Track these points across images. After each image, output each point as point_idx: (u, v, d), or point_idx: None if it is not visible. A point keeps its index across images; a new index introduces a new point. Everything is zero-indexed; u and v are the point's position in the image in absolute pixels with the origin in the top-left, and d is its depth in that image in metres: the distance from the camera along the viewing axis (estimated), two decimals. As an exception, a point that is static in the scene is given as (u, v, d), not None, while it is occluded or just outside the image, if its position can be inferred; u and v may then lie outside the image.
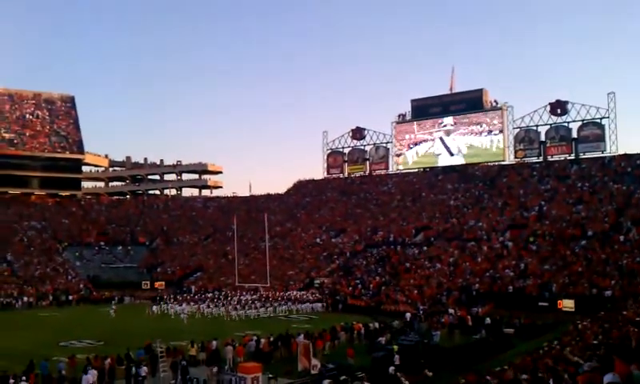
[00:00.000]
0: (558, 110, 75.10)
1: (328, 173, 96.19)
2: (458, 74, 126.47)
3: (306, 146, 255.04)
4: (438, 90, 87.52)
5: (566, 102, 74.95)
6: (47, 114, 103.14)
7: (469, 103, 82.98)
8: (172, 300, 59.12)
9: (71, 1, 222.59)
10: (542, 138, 76.67)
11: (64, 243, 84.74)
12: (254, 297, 59.03)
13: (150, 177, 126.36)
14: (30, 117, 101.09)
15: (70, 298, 67.89)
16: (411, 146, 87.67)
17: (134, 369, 26.34)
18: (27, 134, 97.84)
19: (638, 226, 54.08)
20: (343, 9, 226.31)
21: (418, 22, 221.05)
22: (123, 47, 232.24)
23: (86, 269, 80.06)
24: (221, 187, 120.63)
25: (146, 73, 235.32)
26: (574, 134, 74.37)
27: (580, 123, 73.92)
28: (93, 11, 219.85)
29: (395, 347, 29.13)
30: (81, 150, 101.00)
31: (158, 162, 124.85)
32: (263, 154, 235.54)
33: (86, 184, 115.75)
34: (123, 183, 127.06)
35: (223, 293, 63.20)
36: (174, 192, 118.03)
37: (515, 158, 79.07)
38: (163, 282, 76.09)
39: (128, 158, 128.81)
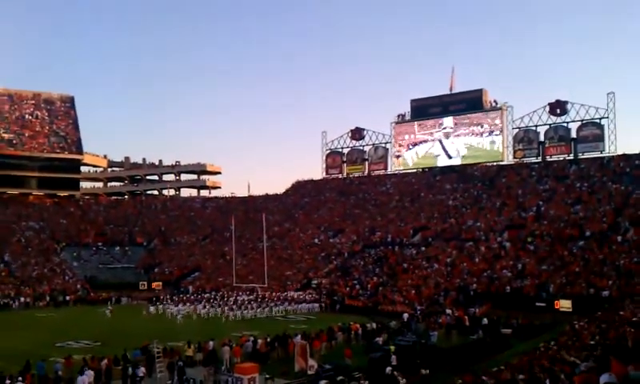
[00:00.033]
0: (558, 110, 75.07)
1: (327, 173, 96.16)
2: (458, 74, 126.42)
3: (304, 146, 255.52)
4: (438, 91, 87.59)
5: (566, 102, 74.94)
6: (46, 114, 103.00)
7: (468, 103, 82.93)
8: (169, 300, 59.04)
9: (71, 1, 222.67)
10: (541, 138, 76.64)
11: (62, 243, 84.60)
12: (251, 297, 58.98)
13: (148, 177, 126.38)
14: (30, 117, 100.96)
15: (68, 298, 67.73)
16: (410, 146, 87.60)
17: (130, 369, 26.29)
18: (26, 135, 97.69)
19: (636, 226, 54.05)
20: (343, 9, 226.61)
21: (417, 22, 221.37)
22: (123, 47, 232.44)
23: (83, 269, 79.92)
24: (219, 187, 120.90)
25: (146, 73, 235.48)
26: (573, 134, 74.35)
27: (579, 123, 73.90)
28: (93, 11, 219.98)
29: (392, 348, 29.07)
30: (79, 151, 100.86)
31: (157, 163, 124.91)
32: (262, 155, 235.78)
33: (84, 184, 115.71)
34: (122, 183, 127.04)
35: (220, 293, 63.15)
36: (172, 192, 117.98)
37: (514, 158, 79.05)
38: (161, 283, 76.03)
39: (127, 158, 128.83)
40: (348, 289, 60.97)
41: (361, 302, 56.61)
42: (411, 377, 24.85)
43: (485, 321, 41.38)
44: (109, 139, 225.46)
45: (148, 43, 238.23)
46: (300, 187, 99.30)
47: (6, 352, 33.27)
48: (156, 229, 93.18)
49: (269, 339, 32.88)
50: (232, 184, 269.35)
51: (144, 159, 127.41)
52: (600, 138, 72.16)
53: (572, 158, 73.97)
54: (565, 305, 45.35)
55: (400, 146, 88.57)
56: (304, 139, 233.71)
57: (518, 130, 78.69)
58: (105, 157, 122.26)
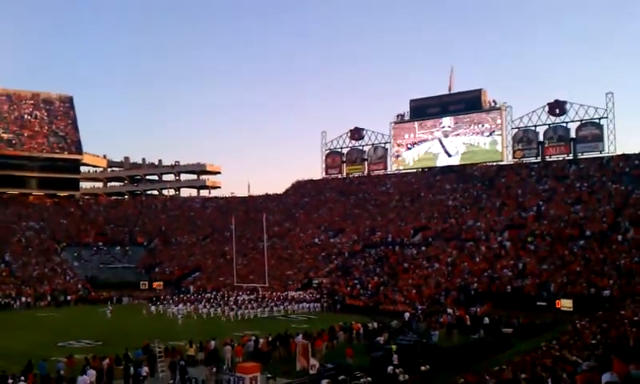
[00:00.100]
0: (557, 110, 75.12)
1: (326, 173, 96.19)
2: (457, 74, 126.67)
3: (304, 146, 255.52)
4: (437, 91, 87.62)
5: (565, 102, 74.99)
6: (46, 114, 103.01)
7: (467, 103, 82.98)
8: (170, 300, 59.09)
9: (71, 1, 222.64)
10: (541, 138, 76.68)
11: (62, 243, 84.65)
12: (251, 297, 59.02)
13: (148, 177, 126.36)
14: (29, 117, 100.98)
15: (68, 298, 67.80)
16: (409, 146, 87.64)
17: (132, 369, 26.35)
18: (25, 135, 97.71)
19: (636, 225, 54.11)
20: (343, 9, 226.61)
21: (417, 22, 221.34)
22: (122, 47, 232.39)
23: (84, 269, 79.98)
24: (219, 187, 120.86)
25: (145, 73, 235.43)
26: (573, 134, 74.38)
27: (578, 123, 73.93)
28: (93, 11, 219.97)
29: (394, 347, 29.13)
30: (79, 151, 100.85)
31: (157, 163, 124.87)
32: (262, 154, 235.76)
33: (84, 184, 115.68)
34: (121, 183, 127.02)
35: (220, 293, 63.19)
36: (172, 192, 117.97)
37: (513, 158, 79.10)
38: (161, 283, 76.08)
39: (126, 158, 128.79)
40: (349, 288, 61.02)
41: (362, 301, 56.66)
42: (412, 376, 24.94)
43: (486, 320, 41.44)
44: (108, 139, 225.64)
45: (148, 43, 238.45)
46: (300, 187, 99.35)
47: (7, 352, 33.36)
48: (156, 229, 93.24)
49: (270, 339, 32.96)
50: (232, 184, 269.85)
51: (144, 159, 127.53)
52: (599, 138, 72.20)
53: (571, 158, 74.01)
54: (566, 304, 45.39)
55: (399, 145, 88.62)
56: (304, 139, 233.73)
57: (517, 130, 78.74)
58: (104, 157, 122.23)
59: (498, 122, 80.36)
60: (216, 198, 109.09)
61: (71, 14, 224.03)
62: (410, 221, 73.79)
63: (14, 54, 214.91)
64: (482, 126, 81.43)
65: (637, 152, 69.46)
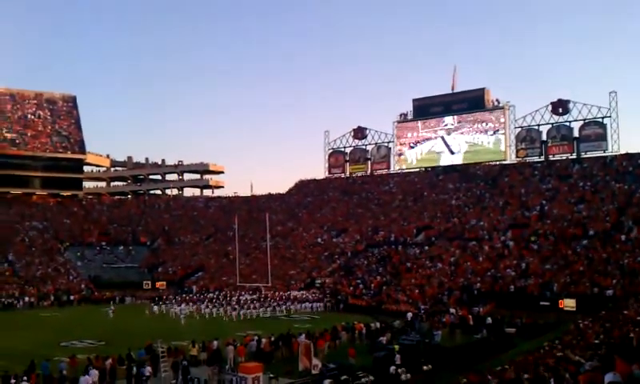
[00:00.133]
0: (560, 110, 74.98)
1: (329, 172, 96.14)
2: (459, 73, 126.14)
3: (307, 145, 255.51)
4: (439, 90, 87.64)
5: (568, 102, 74.85)
6: (49, 113, 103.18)
7: (471, 103, 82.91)
8: (173, 300, 59.10)
9: (71, 1, 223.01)
10: (544, 137, 76.57)
11: (65, 243, 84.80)
12: (254, 297, 59.01)
13: (151, 177, 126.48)
14: (32, 117, 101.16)
15: (72, 298, 67.93)
16: (412, 144, 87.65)
17: (134, 369, 26.36)
18: (29, 134, 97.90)
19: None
20: (343, 9, 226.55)
21: (418, 21, 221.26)
22: (123, 47, 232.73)
23: (87, 269, 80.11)
24: (222, 187, 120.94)
25: (147, 73, 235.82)
26: (576, 134, 74.24)
27: (582, 122, 73.79)
28: (93, 11, 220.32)
29: (396, 347, 29.13)
30: (82, 150, 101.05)
31: (160, 162, 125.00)
32: (264, 154, 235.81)
33: (87, 184, 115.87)
34: (125, 183, 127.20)
35: (223, 293, 63.23)
36: (175, 192, 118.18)
37: (517, 157, 78.98)
38: (164, 282, 76.10)
39: (129, 157, 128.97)
40: (351, 288, 60.97)
41: (364, 301, 56.60)
42: (415, 376, 24.91)
43: (489, 320, 41.38)
44: (111, 139, 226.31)
45: (148, 43, 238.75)
46: (303, 187, 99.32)
47: (10, 352, 33.40)
48: (159, 228, 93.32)
49: (273, 338, 32.93)
50: (235, 184, 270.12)
51: (147, 159, 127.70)
52: (602, 137, 72.06)
53: (575, 157, 73.88)
54: (569, 304, 45.28)
55: (402, 144, 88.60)
56: (306, 139, 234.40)
57: (520, 129, 78.63)
58: (107, 156, 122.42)
59: (502, 121, 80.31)
60: (219, 197, 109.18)
61: (71, 14, 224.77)
62: (413, 220, 73.71)
63: (14, 54, 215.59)
64: (486, 125, 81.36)
65: (640, 151, 69.30)
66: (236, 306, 53.05)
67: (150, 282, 76.27)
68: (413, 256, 64.68)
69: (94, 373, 25.41)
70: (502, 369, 19.98)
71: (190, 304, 56.67)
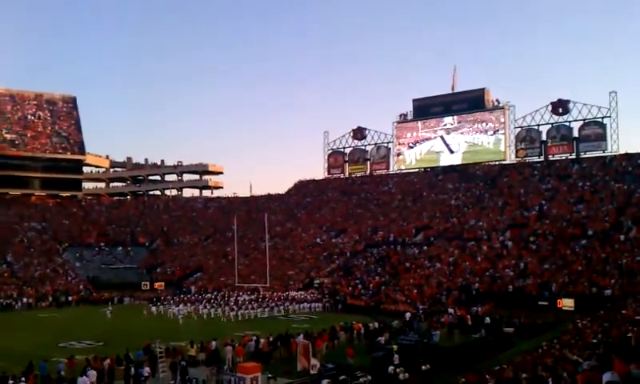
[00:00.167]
0: (560, 110, 74.99)
1: (329, 173, 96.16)
2: (459, 73, 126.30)
3: (306, 146, 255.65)
4: (439, 90, 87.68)
5: (568, 101, 74.87)
6: (49, 114, 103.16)
7: (470, 103, 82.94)
8: (171, 301, 59.05)
9: (71, 1, 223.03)
10: (544, 137, 76.59)
11: (64, 244, 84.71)
12: (252, 297, 58.97)
13: (150, 177, 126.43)
14: (32, 117, 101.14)
15: (70, 298, 67.80)
16: (411, 144, 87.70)
17: (133, 369, 26.31)
18: (28, 135, 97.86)
19: (639, 225, 53.98)
20: (343, 9, 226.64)
21: (418, 21, 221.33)
22: (123, 47, 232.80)
23: (85, 270, 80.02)
24: (221, 188, 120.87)
25: (146, 73, 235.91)
26: (576, 134, 74.24)
27: (581, 122, 73.80)
28: (93, 11, 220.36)
29: (395, 347, 29.08)
30: (82, 151, 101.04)
31: (159, 163, 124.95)
32: (264, 155, 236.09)
33: (86, 185, 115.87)
34: (124, 184, 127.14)
35: (221, 293, 63.19)
36: (174, 192, 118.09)
37: (516, 157, 78.99)
38: (163, 283, 76.00)
39: (129, 158, 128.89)
40: (350, 288, 60.95)
41: (363, 301, 56.57)
42: (413, 376, 24.88)
43: (487, 320, 41.39)
44: (110, 139, 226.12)
45: (148, 43, 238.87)
46: (302, 187, 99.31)
47: (8, 352, 33.35)
48: (158, 229, 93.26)
49: (271, 339, 32.91)
50: (234, 184, 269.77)
51: (146, 159, 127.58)
52: (602, 137, 72.08)
53: (574, 157, 73.89)
54: (567, 304, 45.23)
55: (402, 145, 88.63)
56: (305, 139, 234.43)
57: (520, 129, 78.64)
58: (107, 157, 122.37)
59: (502, 121, 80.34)
60: (218, 198, 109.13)
61: (71, 14, 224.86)
62: (412, 220, 73.69)
63: (14, 54, 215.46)
64: (486, 125, 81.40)
65: None
66: (234, 307, 53.02)
67: (148, 283, 76.16)
68: (411, 256, 64.67)
69: (92, 373, 25.36)
70: (501, 368, 19.98)
71: (188, 304, 56.62)
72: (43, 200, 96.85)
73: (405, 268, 61.90)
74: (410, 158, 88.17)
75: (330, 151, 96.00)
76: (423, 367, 25.11)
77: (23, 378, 24.14)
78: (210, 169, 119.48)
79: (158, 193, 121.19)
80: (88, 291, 72.20)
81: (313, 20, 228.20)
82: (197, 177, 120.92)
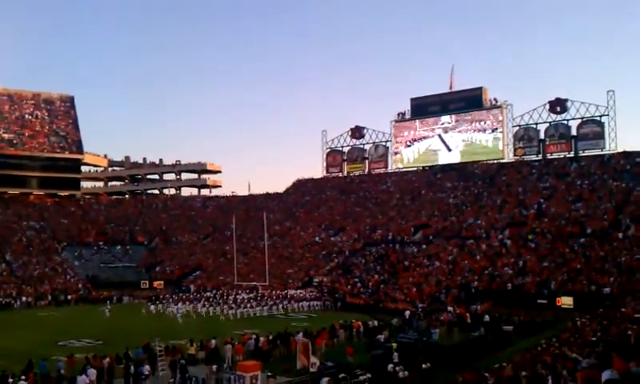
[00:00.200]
0: (558, 108, 75.06)
1: (327, 172, 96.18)
2: (458, 72, 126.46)
3: (305, 145, 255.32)
4: (438, 89, 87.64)
5: (566, 100, 74.94)
6: (46, 114, 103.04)
7: (468, 102, 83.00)
8: (170, 299, 59.02)
9: (71, 1, 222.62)
10: (542, 135, 76.69)
11: (63, 243, 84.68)
12: (251, 296, 58.99)
13: (149, 176, 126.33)
14: (30, 117, 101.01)
15: (69, 297, 67.88)
16: (409, 143, 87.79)
17: (132, 368, 26.33)
18: (26, 134, 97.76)
19: (637, 223, 54.02)
20: (343, 9, 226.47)
21: (417, 21, 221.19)
22: (123, 47, 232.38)
23: (84, 268, 80.00)
24: (220, 186, 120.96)
25: (145, 73, 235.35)
26: (574, 132, 74.33)
27: (579, 121, 73.90)
28: (92, 11, 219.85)
29: (394, 345, 29.09)
30: (80, 150, 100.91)
31: (157, 162, 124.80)
32: (262, 153, 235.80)
33: (85, 184, 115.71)
34: (122, 183, 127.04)
35: (220, 292, 63.20)
36: (173, 191, 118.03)
37: (514, 156, 79.06)
38: (162, 282, 76.06)
39: (127, 157, 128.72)
40: (349, 287, 60.99)
41: (362, 299, 56.63)
42: (413, 374, 24.92)
43: (486, 318, 41.48)
44: (109, 139, 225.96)
45: (148, 43, 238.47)
46: (301, 186, 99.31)
47: (8, 351, 33.35)
48: (157, 228, 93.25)
49: (271, 337, 32.95)
50: (232, 183, 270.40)
51: (144, 158, 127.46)
52: (600, 136, 72.18)
53: (572, 155, 73.98)
54: (566, 302, 45.35)
55: (399, 143, 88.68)
56: (304, 138, 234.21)
57: (518, 127, 78.71)
58: (105, 156, 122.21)
59: (499, 119, 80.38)
60: (217, 197, 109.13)
61: (71, 14, 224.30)
62: (411, 219, 73.74)
63: (14, 53, 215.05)
64: (484, 123, 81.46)
65: (638, 149, 69.30)
66: (232, 305, 53.03)
67: (147, 282, 76.23)
68: (410, 254, 64.71)
69: (92, 372, 25.40)
70: (500, 366, 20.03)
71: (187, 303, 56.60)
72: (41, 199, 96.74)
73: (404, 266, 61.95)
74: (407, 157, 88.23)
75: (329, 150, 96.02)
76: (424, 365, 25.12)
77: (23, 377, 24.16)
78: (209, 168, 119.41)
79: (156, 192, 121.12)
80: (87, 290, 72.22)
81: (312, 20, 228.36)
82: (195, 176, 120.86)
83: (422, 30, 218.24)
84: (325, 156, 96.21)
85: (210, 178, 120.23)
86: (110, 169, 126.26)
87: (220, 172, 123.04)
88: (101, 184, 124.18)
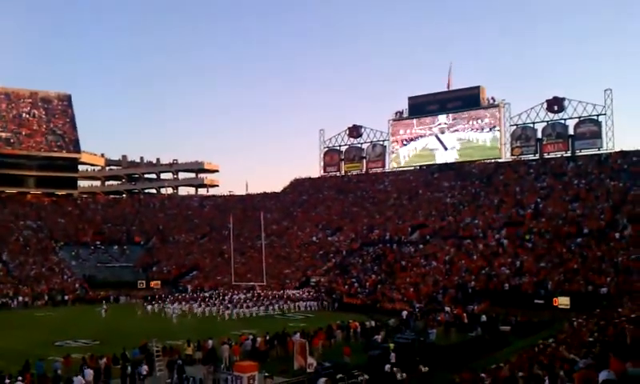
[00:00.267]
0: (555, 107, 75.17)
1: (325, 171, 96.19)
2: (456, 71, 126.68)
3: (302, 144, 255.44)
4: (436, 88, 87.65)
5: (563, 99, 75.03)
6: (44, 112, 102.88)
7: (466, 100, 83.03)
8: (167, 300, 58.91)
9: (71, 1, 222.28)
10: (539, 135, 76.78)
11: (60, 243, 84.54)
12: (247, 296, 58.92)
13: (146, 176, 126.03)
14: (27, 116, 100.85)
15: (66, 297, 67.77)
16: (405, 142, 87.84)
17: (130, 368, 26.29)
18: (23, 133, 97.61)
19: (634, 222, 54.08)
20: (343, 8, 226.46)
21: (416, 19, 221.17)
22: (121, 46, 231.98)
23: (81, 268, 79.91)
24: (217, 186, 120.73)
25: (144, 72, 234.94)
26: (571, 131, 74.43)
27: (576, 120, 74.02)
28: (92, 11, 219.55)
29: (391, 345, 29.08)
30: (77, 149, 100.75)
31: (155, 161, 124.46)
32: (260, 153, 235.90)
33: (82, 183, 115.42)
34: (119, 182, 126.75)
35: (216, 292, 63.13)
36: (170, 191, 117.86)
37: (512, 155, 79.14)
38: (159, 282, 76.02)
39: (124, 156, 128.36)
40: (346, 287, 60.99)
41: (359, 299, 56.65)
42: (410, 374, 24.91)
43: (483, 318, 41.46)
44: (106, 138, 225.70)
45: (146, 43, 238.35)
46: (298, 185, 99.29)
47: (4, 351, 33.23)
48: (154, 227, 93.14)
49: (268, 337, 32.90)
50: (230, 182, 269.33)
51: (142, 158, 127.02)
52: (597, 135, 72.30)
53: (570, 154, 74.07)
54: (563, 302, 45.38)
55: (397, 142, 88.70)
56: (302, 137, 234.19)
57: (515, 127, 78.76)
58: (102, 155, 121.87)
59: (496, 119, 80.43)
60: (214, 196, 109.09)
61: (71, 14, 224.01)
62: (408, 219, 73.75)
63: (13, 53, 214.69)
64: (481, 122, 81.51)
65: (635, 149, 69.41)
66: (228, 305, 52.94)
67: (144, 282, 76.19)
68: (408, 254, 64.72)
69: (89, 372, 25.33)
70: (497, 367, 20.03)
71: (183, 303, 56.50)
72: (39, 198, 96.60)
73: (401, 266, 61.96)
74: (405, 156, 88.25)
75: (326, 149, 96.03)
76: (423, 369, 25.11)
77: (20, 377, 24.06)
78: (206, 167, 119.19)
79: (153, 191, 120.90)
80: (84, 290, 72.11)
81: (311, 20, 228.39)
82: (193, 175, 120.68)
83: (421, 28, 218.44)
84: (322, 155, 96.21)
85: (207, 178, 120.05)
86: (107, 168, 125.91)
87: (217, 171, 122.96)
88: (98, 183, 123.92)
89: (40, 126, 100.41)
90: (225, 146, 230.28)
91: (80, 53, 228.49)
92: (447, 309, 46.28)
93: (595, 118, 72.71)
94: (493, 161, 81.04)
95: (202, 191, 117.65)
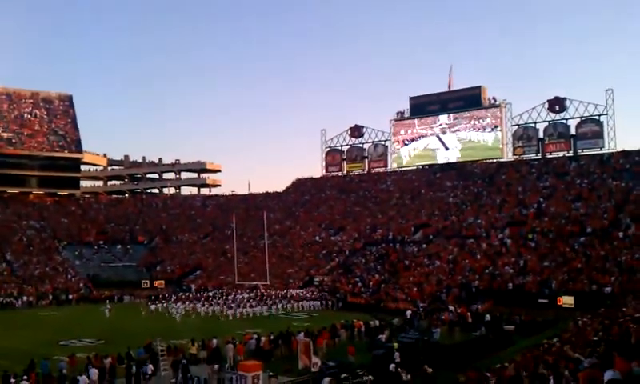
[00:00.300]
0: (557, 107, 75.15)
1: (327, 171, 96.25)
2: (457, 71, 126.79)
3: (304, 144, 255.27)
4: (437, 88, 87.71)
5: (565, 99, 75.02)
6: (45, 113, 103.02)
7: (467, 100, 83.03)
8: (170, 299, 58.97)
9: (71, 1, 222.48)
10: (541, 135, 76.77)
11: (63, 242, 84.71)
12: (251, 295, 58.98)
13: (148, 175, 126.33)
14: (28, 116, 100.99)
15: (70, 297, 67.94)
16: (406, 142, 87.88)
17: (134, 367, 26.36)
18: (25, 133, 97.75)
19: (637, 222, 54.07)
20: (343, 8, 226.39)
21: (417, 19, 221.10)
22: (123, 47, 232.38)
23: (85, 268, 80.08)
24: (219, 186, 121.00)
25: (145, 72, 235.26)
26: (573, 131, 74.41)
27: (578, 120, 73.99)
28: (92, 11, 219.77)
29: (395, 345, 29.12)
30: (79, 149, 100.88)
31: (157, 161, 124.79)
32: (262, 153, 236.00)
33: (84, 183, 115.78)
34: (122, 182, 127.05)
35: (220, 291, 63.19)
36: (172, 191, 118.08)
37: (514, 155, 79.14)
38: (163, 281, 76.09)
39: (126, 156, 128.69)
40: (350, 286, 61.04)
41: (363, 299, 56.66)
42: (414, 373, 24.95)
43: (487, 317, 41.47)
44: (108, 138, 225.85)
45: (147, 43, 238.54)
46: (300, 185, 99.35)
47: (9, 351, 33.38)
48: (157, 227, 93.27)
49: (272, 337, 32.95)
50: (232, 182, 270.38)
51: (144, 158, 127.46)
52: (599, 135, 72.27)
53: (571, 154, 74.07)
54: (567, 301, 45.38)
55: (398, 142, 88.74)
56: (304, 137, 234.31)
57: (517, 126, 78.76)
58: (104, 155, 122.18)
59: (497, 119, 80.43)
60: (216, 196, 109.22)
61: (71, 14, 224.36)
62: (411, 218, 73.77)
63: (14, 53, 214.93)
64: (483, 121, 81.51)
65: (637, 148, 69.35)
66: (232, 305, 53.01)
67: (148, 281, 76.28)
68: (411, 254, 64.75)
69: (94, 372, 25.42)
70: (502, 366, 20.07)
71: (187, 303, 56.57)
72: (41, 198, 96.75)
73: (404, 266, 62.00)
74: (405, 155, 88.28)
75: (328, 149, 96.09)
76: (429, 370, 25.14)
77: (25, 377, 24.15)
78: (208, 167, 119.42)
79: (156, 191, 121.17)
80: (88, 289, 72.32)
81: (312, 20, 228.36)
82: (195, 175, 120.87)
83: (422, 28, 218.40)
84: (324, 155, 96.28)
85: (209, 178, 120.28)
86: (109, 168, 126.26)
87: (219, 171, 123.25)
88: (100, 183, 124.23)
89: (42, 126, 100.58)
90: (226, 146, 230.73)
91: (80, 53, 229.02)
92: (451, 308, 46.25)
93: (597, 117, 72.67)
94: (495, 160, 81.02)
95: (204, 191, 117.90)
